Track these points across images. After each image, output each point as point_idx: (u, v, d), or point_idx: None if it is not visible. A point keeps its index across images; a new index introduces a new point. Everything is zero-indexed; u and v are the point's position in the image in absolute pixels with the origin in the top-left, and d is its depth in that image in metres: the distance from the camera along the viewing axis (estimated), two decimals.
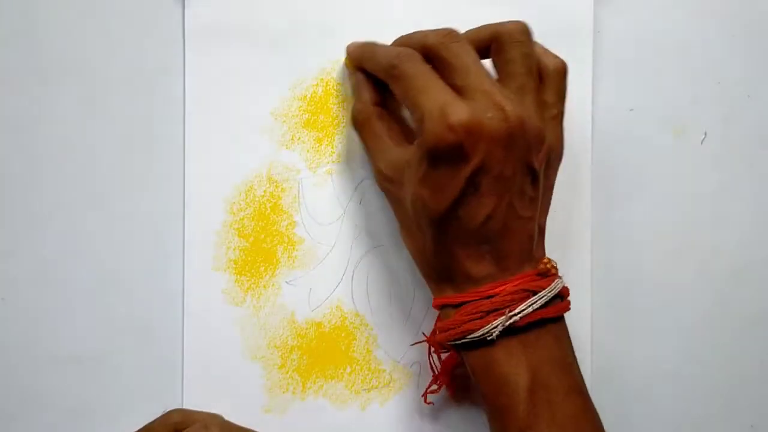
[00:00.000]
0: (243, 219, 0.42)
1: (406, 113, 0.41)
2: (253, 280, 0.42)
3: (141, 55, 0.42)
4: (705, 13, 0.45)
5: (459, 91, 0.35)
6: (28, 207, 0.41)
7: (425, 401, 0.42)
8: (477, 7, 0.43)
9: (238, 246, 0.42)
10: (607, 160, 0.44)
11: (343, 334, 0.43)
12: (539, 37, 0.43)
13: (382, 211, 0.43)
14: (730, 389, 0.45)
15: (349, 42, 0.42)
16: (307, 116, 0.42)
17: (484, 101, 0.34)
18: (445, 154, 0.34)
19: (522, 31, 0.36)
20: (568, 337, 0.38)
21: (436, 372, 0.41)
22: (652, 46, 0.44)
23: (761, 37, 0.45)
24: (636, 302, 0.44)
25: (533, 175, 0.36)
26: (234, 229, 0.42)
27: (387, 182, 0.39)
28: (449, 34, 0.36)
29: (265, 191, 0.42)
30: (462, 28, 0.42)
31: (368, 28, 0.42)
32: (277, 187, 0.42)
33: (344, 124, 0.43)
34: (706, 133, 0.45)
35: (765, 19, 0.45)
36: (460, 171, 0.34)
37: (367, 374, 0.43)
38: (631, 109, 0.44)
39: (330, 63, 0.42)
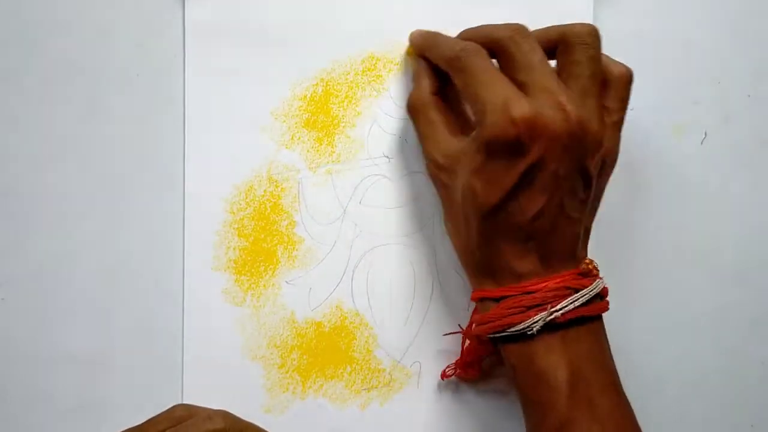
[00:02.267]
0: (243, 219, 0.42)
1: (466, 106, 0.41)
2: (253, 280, 0.42)
3: (141, 55, 0.42)
4: (705, 13, 0.45)
5: (522, 87, 0.35)
6: (28, 207, 0.41)
7: (442, 377, 0.42)
8: (477, 6, 0.43)
9: (238, 246, 0.42)
10: None
11: (343, 334, 0.43)
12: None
13: (382, 210, 0.43)
14: (730, 389, 0.45)
15: (349, 40, 0.42)
16: (307, 116, 0.42)
17: (547, 99, 0.35)
18: (503, 147, 0.34)
19: (590, 34, 0.36)
20: (605, 335, 0.38)
21: (464, 359, 0.41)
22: (652, 46, 0.44)
23: (761, 37, 0.45)
24: (636, 302, 0.44)
25: (586, 178, 0.36)
26: (234, 229, 0.42)
27: (439, 170, 0.39)
28: (518, 29, 0.37)
29: (265, 191, 0.42)
30: (462, 28, 0.42)
31: (368, 27, 0.42)
32: (277, 187, 0.42)
33: (344, 124, 0.43)
34: (706, 133, 0.45)
35: (765, 19, 0.45)
36: (517, 165, 0.35)
37: (367, 374, 0.43)
38: (631, 109, 0.44)
39: (330, 63, 0.42)
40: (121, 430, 0.38)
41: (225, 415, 0.39)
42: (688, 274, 0.45)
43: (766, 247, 0.45)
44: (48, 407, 0.41)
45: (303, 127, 0.42)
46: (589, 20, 0.43)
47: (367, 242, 0.43)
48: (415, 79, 0.41)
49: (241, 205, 0.42)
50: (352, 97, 0.43)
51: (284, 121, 0.42)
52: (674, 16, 0.44)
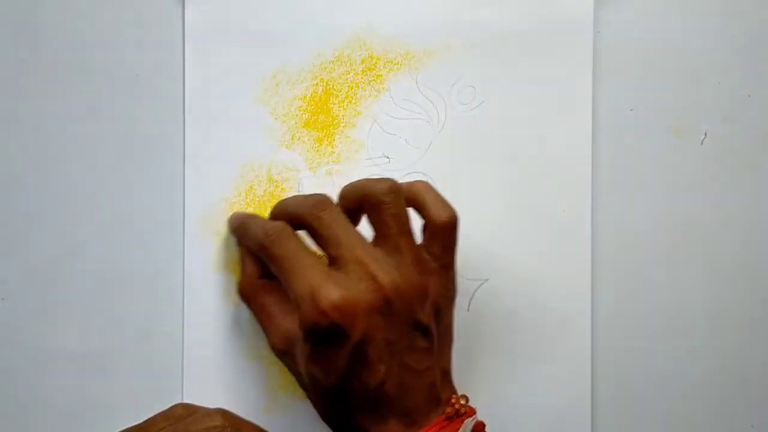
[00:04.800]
0: None
1: None
2: None
3: (141, 55, 0.42)
4: (705, 13, 0.45)
5: (333, 261, 0.36)
6: (29, 207, 0.41)
7: None
8: (477, 6, 0.43)
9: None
10: (608, 160, 0.44)
11: None
12: (539, 37, 0.43)
13: None
14: (730, 389, 0.45)
15: (349, 40, 0.42)
16: (307, 116, 0.42)
17: (357, 272, 0.35)
18: (323, 336, 0.34)
19: (388, 192, 0.36)
20: None
21: None
22: (652, 46, 0.44)
23: (761, 37, 0.45)
24: (636, 302, 0.44)
25: (422, 329, 0.36)
26: None
27: (282, 355, 0.39)
28: (318, 202, 0.37)
29: (265, 191, 0.42)
30: (461, 28, 0.42)
31: (368, 27, 0.42)
32: (277, 187, 0.42)
33: (344, 124, 0.43)
34: (706, 133, 0.45)
35: (765, 20, 0.45)
36: (343, 348, 0.34)
37: None
38: (631, 109, 0.44)
39: (330, 63, 0.42)
40: (121, 429, 0.38)
41: (223, 413, 0.39)
42: (688, 274, 0.45)
43: (766, 247, 0.45)
44: (48, 407, 0.41)
45: (303, 127, 0.43)
46: (589, 20, 0.43)
47: None
48: (240, 265, 0.41)
49: (241, 205, 0.42)
50: (352, 97, 0.43)
51: (284, 121, 0.42)
52: (674, 16, 0.44)
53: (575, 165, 0.44)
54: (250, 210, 0.42)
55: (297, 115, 0.42)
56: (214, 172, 0.42)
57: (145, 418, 0.39)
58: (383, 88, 0.43)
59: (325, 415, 0.38)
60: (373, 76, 0.43)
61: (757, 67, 0.45)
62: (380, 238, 0.37)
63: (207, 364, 0.42)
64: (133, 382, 0.42)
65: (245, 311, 0.42)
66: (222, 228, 0.42)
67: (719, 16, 0.45)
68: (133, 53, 0.42)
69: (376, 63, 0.43)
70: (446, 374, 0.38)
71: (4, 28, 0.41)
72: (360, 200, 0.37)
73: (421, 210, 0.38)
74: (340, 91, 0.43)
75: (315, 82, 0.42)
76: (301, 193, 0.42)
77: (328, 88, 0.42)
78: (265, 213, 0.42)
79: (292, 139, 0.42)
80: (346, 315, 0.34)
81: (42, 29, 0.41)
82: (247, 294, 0.40)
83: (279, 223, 0.37)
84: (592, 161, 0.44)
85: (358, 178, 0.42)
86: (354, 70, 0.42)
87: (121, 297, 0.42)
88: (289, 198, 0.39)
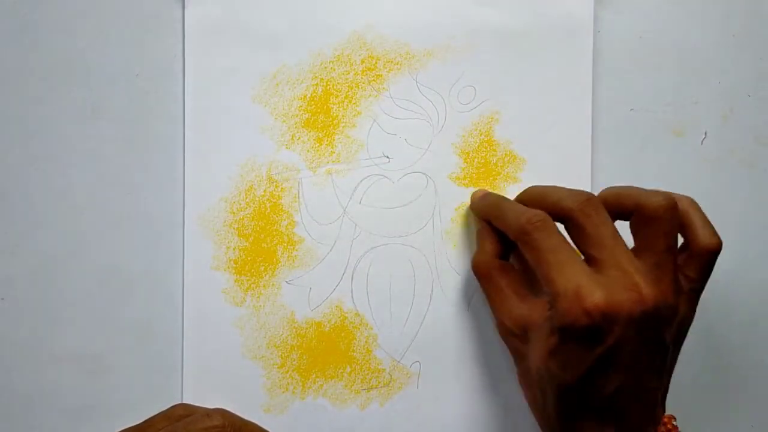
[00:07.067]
0: (243, 219, 0.42)
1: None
2: (253, 279, 0.42)
3: (141, 55, 0.42)
4: (705, 13, 0.45)
5: (593, 262, 0.35)
6: (28, 207, 0.41)
7: None
8: (477, 7, 0.43)
9: (238, 246, 0.42)
10: (607, 160, 0.44)
11: (342, 334, 0.43)
12: (539, 37, 0.43)
13: (382, 210, 0.43)
14: (730, 389, 0.45)
15: (349, 40, 0.42)
16: (307, 116, 0.42)
17: (620, 280, 0.34)
18: (578, 334, 0.34)
19: (668, 209, 0.35)
20: None
21: None
22: (652, 46, 0.44)
23: (761, 37, 0.45)
24: None
25: (664, 349, 0.36)
26: (234, 229, 0.42)
27: (510, 336, 0.39)
28: (589, 200, 0.36)
29: (265, 191, 0.42)
30: (462, 28, 0.42)
31: (369, 27, 0.42)
32: (277, 187, 0.42)
33: (344, 124, 0.43)
34: (706, 133, 0.45)
35: (765, 19, 0.45)
36: (593, 350, 0.34)
37: (367, 374, 0.43)
38: (631, 109, 0.45)
39: (330, 63, 0.42)
40: (121, 429, 0.38)
41: (223, 413, 0.39)
42: None
43: (765, 246, 0.45)
44: (48, 407, 0.41)
45: (303, 127, 0.43)
46: (589, 20, 0.43)
47: (367, 242, 0.43)
48: (479, 241, 0.41)
49: (241, 205, 0.42)
50: (352, 97, 0.43)
51: (284, 121, 0.42)
52: (674, 16, 0.44)
53: (575, 165, 0.44)
54: (249, 210, 0.42)
55: (297, 115, 0.42)
56: (214, 172, 0.42)
57: (145, 418, 0.39)
58: (383, 88, 0.43)
59: (540, 407, 0.38)
60: (373, 76, 0.43)
61: (757, 67, 0.45)
62: (643, 250, 0.36)
63: (207, 364, 0.42)
64: (133, 382, 0.42)
65: (245, 311, 0.42)
66: (221, 227, 0.42)
67: (719, 16, 0.45)
68: (133, 53, 0.42)
69: (376, 63, 0.43)
70: (665, 395, 0.38)
71: (4, 28, 0.41)
72: (633, 209, 0.36)
73: (686, 230, 0.37)
74: (340, 91, 0.43)
75: (315, 82, 0.42)
76: (302, 198, 0.42)
77: (328, 88, 0.43)
78: (266, 213, 0.43)
79: (292, 139, 0.42)
80: (607, 319, 0.33)
81: (42, 29, 0.41)
82: (482, 271, 0.40)
83: (541, 213, 0.36)
84: (592, 161, 0.44)
85: (358, 178, 0.42)
86: (354, 70, 0.42)
87: (121, 297, 0.42)
88: (546, 187, 0.38)
